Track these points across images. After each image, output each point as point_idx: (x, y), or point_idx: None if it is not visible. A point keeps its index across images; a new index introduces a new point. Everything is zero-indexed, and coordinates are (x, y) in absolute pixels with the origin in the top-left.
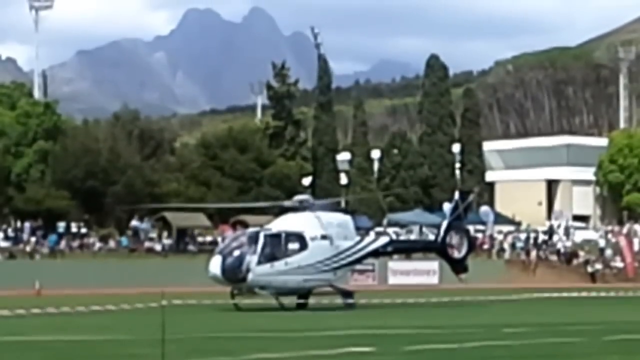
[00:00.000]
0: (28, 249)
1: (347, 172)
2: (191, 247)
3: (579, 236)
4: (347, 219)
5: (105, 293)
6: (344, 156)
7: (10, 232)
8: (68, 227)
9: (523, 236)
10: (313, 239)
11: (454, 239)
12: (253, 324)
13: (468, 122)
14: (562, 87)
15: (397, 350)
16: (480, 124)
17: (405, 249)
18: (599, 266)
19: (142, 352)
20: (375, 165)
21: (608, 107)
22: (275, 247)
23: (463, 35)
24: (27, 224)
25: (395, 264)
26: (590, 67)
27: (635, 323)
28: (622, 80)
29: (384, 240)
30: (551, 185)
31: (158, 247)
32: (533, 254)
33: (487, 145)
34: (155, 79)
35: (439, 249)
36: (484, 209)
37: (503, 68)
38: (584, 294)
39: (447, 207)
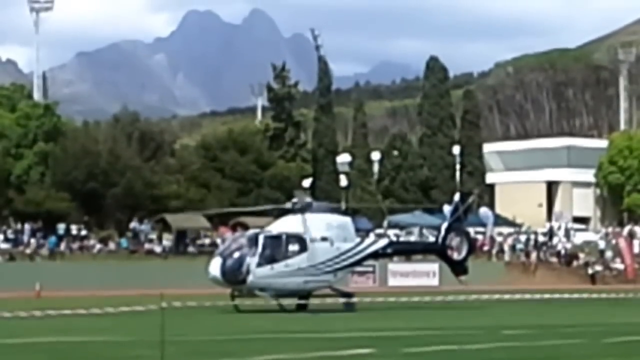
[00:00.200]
0: (28, 251)
1: (347, 174)
2: (191, 249)
3: (579, 238)
4: (347, 220)
5: (105, 295)
6: (344, 158)
7: (10, 234)
8: (68, 229)
9: (523, 238)
10: (313, 240)
11: (454, 240)
12: (253, 326)
13: (468, 124)
14: (562, 88)
15: (396, 352)
16: (480, 126)
17: (405, 251)
18: (599, 268)
19: (141, 354)
20: (375, 167)
21: (608, 108)
22: (275, 248)
23: (463, 36)
24: (27, 226)
25: (395, 265)
26: (590, 69)
27: (635, 325)
28: (622, 82)
29: (384, 242)
30: (551, 187)
31: (158, 249)
32: (533, 255)
33: (487, 147)
34: (155, 81)
35: (439, 250)
36: (484, 210)
37: (503, 70)
38: (584, 295)
39: (447, 209)
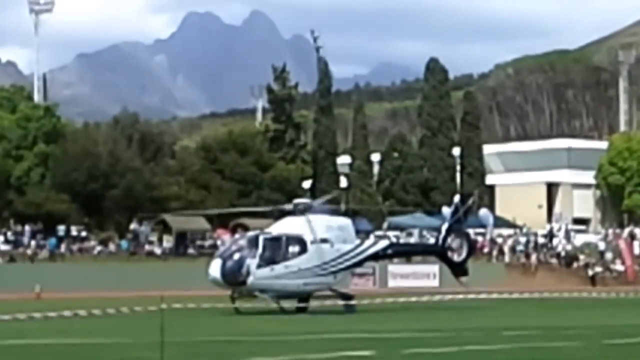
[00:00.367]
0: (29, 252)
1: (347, 175)
2: (191, 251)
3: (579, 239)
4: (347, 222)
5: (105, 296)
6: (344, 159)
7: (10, 236)
8: (68, 231)
9: (523, 239)
10: (313, 242)
11: (454, 242)
12: (253, 327)
13: (468, 125)
14: (562, 90)
15: (396, 353)
16: (480, 127)
17: (405, 252)
18: (599, 269)
19: (141, 356)
20: (376, 169)
21: (608, 110)
22: (275, 250)
23: (463, 38)
24: (27, 228)
25: (395, 267)
26: (590, 70)
27: (635, 326)
28: (622, 84)
29: (384, 243)
30: (551, 189)
31: (158, 251)
32: (533, 257)
33: (487, 149)
34: (155, 83)
35: (439, 252)
36: (483, 212)
37: (503, 71)
38: (584, 297)
39: (446, 210)
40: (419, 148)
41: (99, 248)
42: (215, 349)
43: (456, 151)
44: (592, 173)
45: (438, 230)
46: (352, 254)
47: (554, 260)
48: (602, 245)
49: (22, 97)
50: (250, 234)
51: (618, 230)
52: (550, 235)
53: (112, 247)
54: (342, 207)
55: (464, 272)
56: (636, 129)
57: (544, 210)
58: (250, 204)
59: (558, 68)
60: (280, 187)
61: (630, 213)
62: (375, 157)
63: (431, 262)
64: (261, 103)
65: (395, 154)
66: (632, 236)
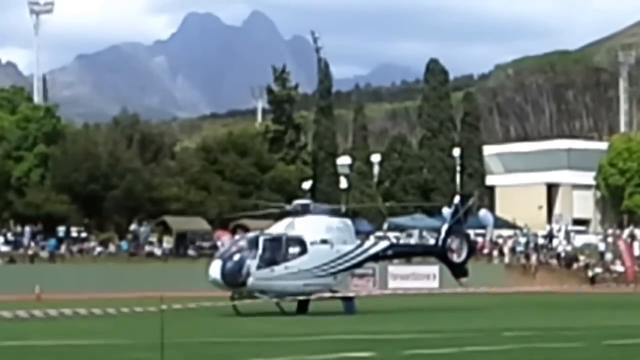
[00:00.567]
0: (30, 252)
1: (347, 176)
2: (191, 252)
3: (579, 240)
4: (347, 223)
5: (105, 297)
6: (344, 160)
7: (10, 237)
8: (68, 232)
9: (523, 240)
10: (313, 243)
11: (454, 243)
12: (253, 329)
13: (468, 126)
14: (562, 90)
15: (396, 355)
16: (480, 128)
17: (405, 253)
18: (599, 270)
19: (141, 357)
20: (376, 169)
21: (608, 110)
22: (275, 251)
23: (463, 39)
24: (27, 228)
25: (395, 268)
26: (591, 71)
27: (635, 327)
28: (622, 84)
29: (384, 244)
30: (551, 189)
31: (158, 252)
32: (533, 257)
33: (487, 149)
34: (155, 83)
35: (439, 253)
36: (483, 212)
37: (503, 72)
38: (584, 297)
39: (446, 211)
40: (419, 149)
41: (99, 249)
42: (215, 350)
43: (456, 152)
44: (592, 174)
45: (438, 231)
46: (352, 254)
47: (554, 261)
48: (602, 246)
49: (22, 98)
50: (250, 234)
51: (618, 231)
52: (550, 236)
53: (112, 248)
54: (343, 207)
55: (464, 273)
56: (636, 129)
57: (544, 211)
58: (250, 204)
59: (558, 69)
60: (280, 188)
61: (630, 214)
62: (376, 157)
63: (431, 263)
64: (261, 104)
65: (396, 155)
66: (632, 237)
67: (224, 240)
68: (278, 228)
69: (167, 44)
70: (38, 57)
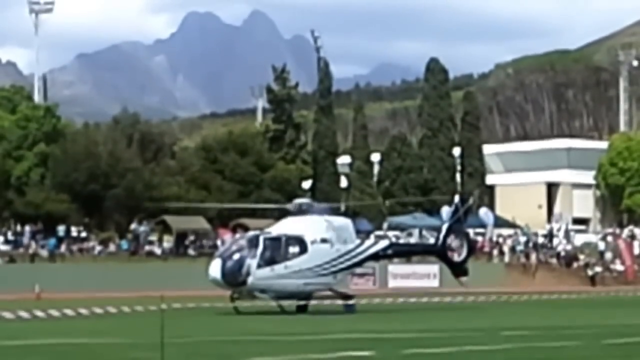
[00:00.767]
0: (30, 251)
1: (347, 176)
2: (191, 251)
3: (579, 239)
4: (347, 222)
5: (105, 296)
6: (344, 159)
7: (10, 236)
8: (68, 231)
9: (523, 239)
10: (313, 242)
11: (454, 242)
12: (253, 328)
13: (468, 125)
14: (562, 90)
15: (396, 354)
16: (480, 127)
17: (405, 252)
18: (598, 269)
19: (141, 356)
20: (376, 169)
21: (608, 110)
22: (275, 250)
23: (463, 38)
24: (27, 228)
25: (395, 267)
26: (591, 70)
27: (634, 326)
28: (622, 83)
29: (384, 243)
30: (551, 189)
31: (158, 251)
32: (533, 257)
33: (487, 149)
34: (155, 83)
35: (439, 252)
36: (484, 211)
37: (503, 71)
38: (583, 296)
39: (445, 211)
40: (419, 148)
41: (99, 248)
42: (215, 349)
43: (456, 151)
44: (592, 173)
45: (438, 230)
46: (352, 254)
47: (553, 260)
48: (601, 245)
49: (22, 97)
50: (250, 234)
51: (618, 230)
52: (550, 235)
53: (112, 247)
54: (342, 206)
55: (464, 272)
56: (636, 129)
57: (543, 210)
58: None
59: (558, 68)
60: (280, 188)
61: (629, 213)
62: (376, 157)
63: (431, 262)
64: (261, 103)
65: (396, 154)
66: (631, 236)
67: (227, 238)
68: (278, 227)
69: (167, 44)
70: (38, 57)
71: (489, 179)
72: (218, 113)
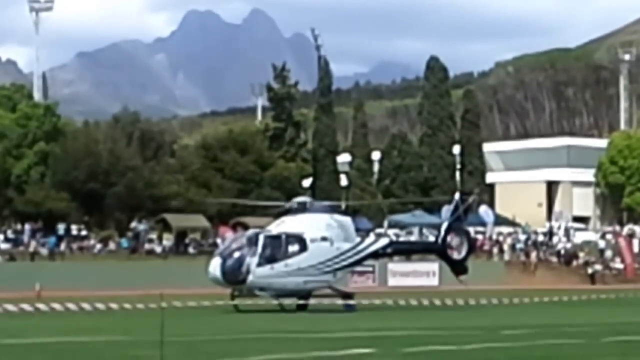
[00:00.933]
0: (30, 250)
1: (347, 174)
2: (191, 249)
3: (578, 237)
4: (347, 220)
5: (106, 295)
6: (344, 158)
7: (10, 234)
8: (68, 229)
9: (523, 237)
10: (313, 240)
11: (454, 240)
12: (253, 326)
13: (468, 124)
14: (562, 88)
15: (396, 352)
16: (481, 126)
17: (405, 251)
18: (598, 267)
19: (141, 354)
20: (376, 167)
21: (608, 108)
22: (275, 248)
23: (463, 36)
24: (27, 226)
25: (395, 265)
26: (591, 69)
27: (634, 324)
28: (623, 82)
29: (384, 241)
30: (551, 187)
31: (158, 249)
32: (533, 255)
33: (487, 147)
34: (155, 81)
35: (439, 250)
36: (484, 208)
37: (503, 69)
38: (583, 295)
39: (445, 210)
40: (419, 146)
41: (99, 246)
42: (215, 347)
43: (456, 149)
44: (592, 171)
45: (438, 228)
46: (352, 252)
47: (553, 259)
48: (601, 244)
49: (22, 95)
50: (250, 232)
51: (618, 229)
52: (550, 234)
53: (112, 245)
54: (342, 205)
55: (464, 270)
56: (636, 127)
57: (543, 209)
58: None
59: (558, 66)
60: (280, 186)
61: (629, 211)
62: (376, 155)
63: (431, 260)
64: (261, 101)
65: (396, 153)
66: (631, 234)
67: (228, 236)
68: (278, 225)
69: (167, 42)
70: (38, 55)
71: (489, 177)
72: (218, 111)
